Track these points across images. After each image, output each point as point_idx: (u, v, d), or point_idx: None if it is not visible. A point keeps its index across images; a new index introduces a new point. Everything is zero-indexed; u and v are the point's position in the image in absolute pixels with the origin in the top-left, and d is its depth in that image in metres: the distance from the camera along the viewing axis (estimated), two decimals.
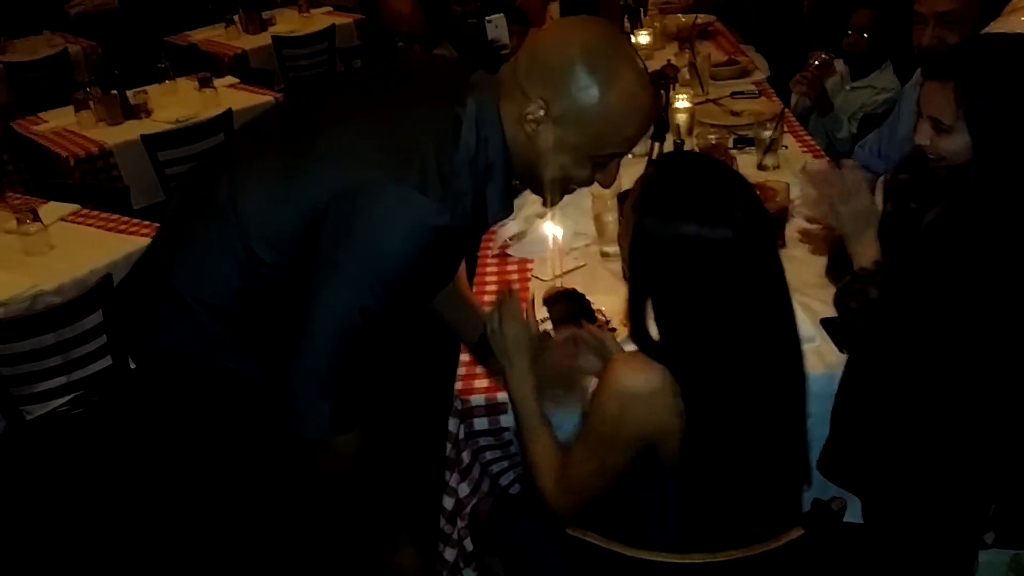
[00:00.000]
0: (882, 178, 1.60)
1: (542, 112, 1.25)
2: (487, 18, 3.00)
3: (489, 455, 1.71)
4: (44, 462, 2.45)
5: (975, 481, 1.49)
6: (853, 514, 1.48)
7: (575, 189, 1.39)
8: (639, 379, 1.22)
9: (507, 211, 1.40)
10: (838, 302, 1.57)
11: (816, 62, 3.01)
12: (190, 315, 1.36)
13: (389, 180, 1.23)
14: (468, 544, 1.69)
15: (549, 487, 1.36)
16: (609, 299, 1.82)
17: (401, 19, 2.74)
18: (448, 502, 1.67)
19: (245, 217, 1.30)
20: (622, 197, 1.90)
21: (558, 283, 1.88)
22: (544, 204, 1.42)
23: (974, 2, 2.15)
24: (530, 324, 1.51)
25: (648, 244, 1.20)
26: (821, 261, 1.94)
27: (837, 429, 1.55)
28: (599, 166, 1.33)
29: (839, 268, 1.72)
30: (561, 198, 1.40)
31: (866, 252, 1.55)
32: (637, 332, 1.26)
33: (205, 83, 4.19)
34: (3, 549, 2.43)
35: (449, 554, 1.69)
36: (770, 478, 1.30)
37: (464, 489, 1.67)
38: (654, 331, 1.25)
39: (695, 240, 1.16)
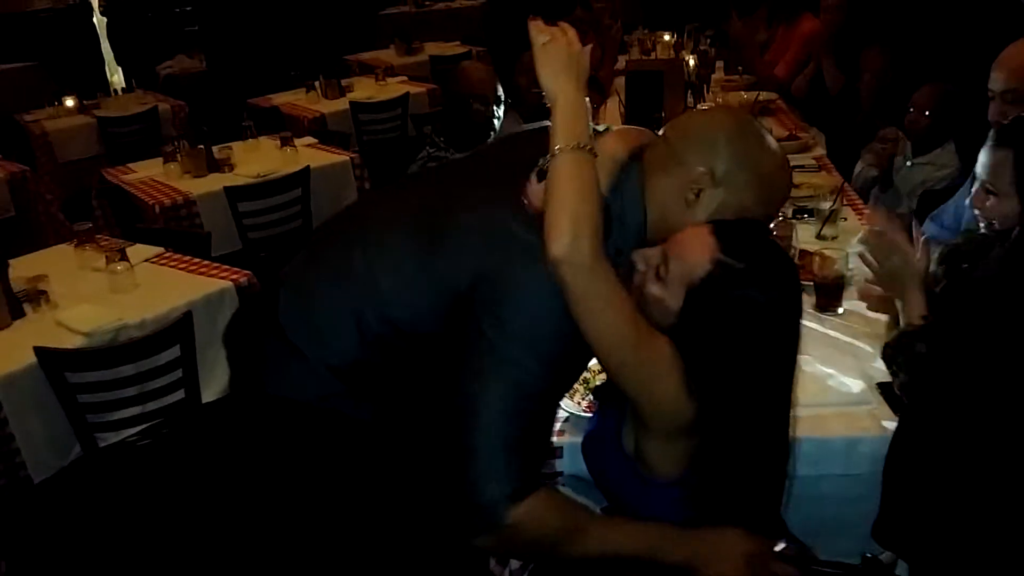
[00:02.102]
0: (925, 236, 1.65)
1: (708, 178, 1.34)
2: None
3: None
4: (114, 489, 2.56)
5: None
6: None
7: None
8: None
9: None
10: (885, 355, 1.60)
11: (891, 138, 3.09)
12: (306, 367, 1.42)
13: (523, 257, 1.27)
14: None
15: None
16: None
17: (477, 84, 2.95)
18: None
19: (383, 289, 1.37)
20: None
21: None
22: None
23: None
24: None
25: (699, 314, 1.27)
26: (878, 328, 1.97)
27: (888, 491, 1.56)
28: None
29: None
30: None
31: (911, 309, 1.58)
32: None
33: (286, 142, 4.42)
34: (71, 569, 2.53)
35: None
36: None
37: None
38: None
39: (752, 304, 1.25)
